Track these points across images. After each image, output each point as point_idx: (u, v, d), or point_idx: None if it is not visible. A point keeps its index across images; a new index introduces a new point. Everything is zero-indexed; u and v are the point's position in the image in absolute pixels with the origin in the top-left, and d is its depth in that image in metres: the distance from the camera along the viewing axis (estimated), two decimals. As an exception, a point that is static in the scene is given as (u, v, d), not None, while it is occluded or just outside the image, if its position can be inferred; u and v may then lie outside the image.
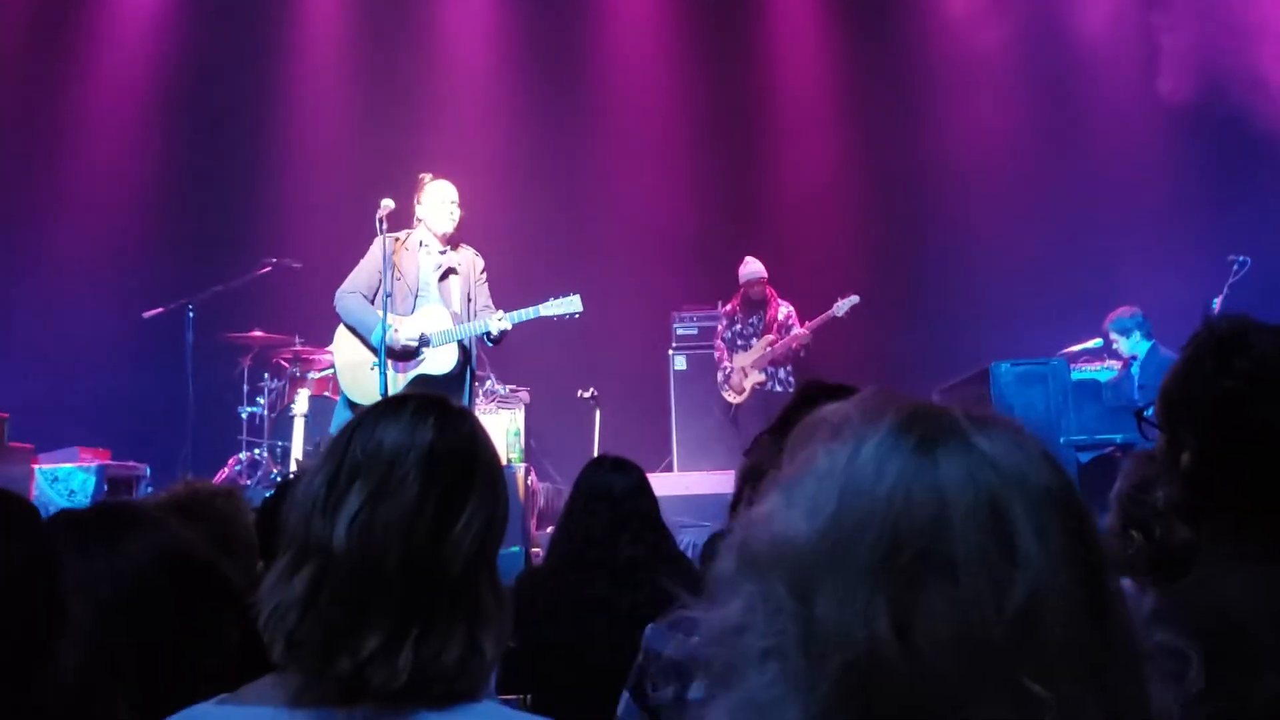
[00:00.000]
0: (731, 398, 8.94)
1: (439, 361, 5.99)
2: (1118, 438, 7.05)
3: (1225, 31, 9.07)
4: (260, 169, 9.86)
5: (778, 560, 0.80)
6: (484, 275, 6.29)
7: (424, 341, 5.94)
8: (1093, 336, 8.38)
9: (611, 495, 3.51)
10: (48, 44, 9.84)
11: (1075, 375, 7.44)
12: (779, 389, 8.69)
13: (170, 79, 9.91)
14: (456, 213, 6.16)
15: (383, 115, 10.00)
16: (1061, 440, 6.89)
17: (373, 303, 6.04)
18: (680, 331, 9.68)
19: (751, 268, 8.97)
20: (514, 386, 8.70)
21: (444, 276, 6.15)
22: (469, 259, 6.23)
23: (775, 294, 8.97)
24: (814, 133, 10.40)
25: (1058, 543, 0.78)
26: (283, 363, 8.47)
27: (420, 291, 6.04)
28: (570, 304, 6.09)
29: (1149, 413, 1.76)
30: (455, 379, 6.02)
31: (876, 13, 10.45)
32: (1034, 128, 9.93)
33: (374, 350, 5.91)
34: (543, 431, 9.14)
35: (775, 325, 8.85)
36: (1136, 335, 8.18)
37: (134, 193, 9.69)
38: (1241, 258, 7.88)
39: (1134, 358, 8.18)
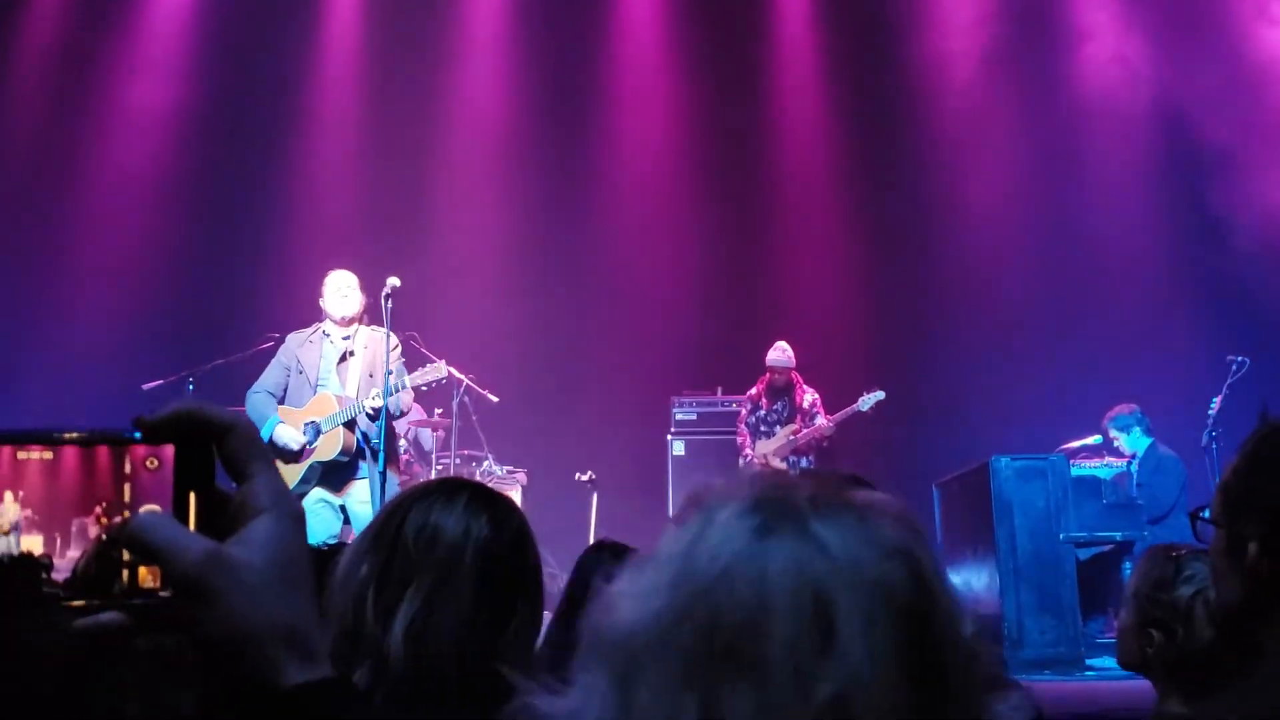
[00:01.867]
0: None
1: (327, 447, 6.07)
2: (1117, 535, 7.00)
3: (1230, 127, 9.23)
4: (265, 243, 9.93)
5: (608, 648, 0.77)
6: (396, 352, 6.26)
7: (316, 430, 6.05)
8: (1092, 433, 8.37)
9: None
10: (62, 115, 10.00)
11: (1075, 471, 7.41)
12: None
13: (180, 152, 10.05)
14: (353, 295, 6.34)
15: (388, 193, 10.11)
16: (1061, 536, 6.84)
17: (282, 400, 6.27)
18: (679, 416, 9.65)
19: (781, 355, 8.86)
20: (511, 468, 8.67)
21: (342, 359, 6.29)
22: (377, 339, 6.25)
23: (801, 380, 8.92)
24: (820, 224, 10.50)
25: (887, 639, 0.72)
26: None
27: (320, 382, 6.21)
28: (436, 370, 6.15)
29: (1205, 514, 1.75)
30: (347, 462, 6.11)
31: (884, 109, 10.58)
32: (1035, 228, 10.03)
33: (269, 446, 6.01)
34: (539, 514, 9.03)
35: (801, 413, 8.82)
36: (1136, 432, 8.19)
37: (138, 263, 9.76)
38: (1240, 358, 7.89)
39: (1134, 455, 8.17)
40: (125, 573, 0.74)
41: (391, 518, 1.46)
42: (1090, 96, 10.15)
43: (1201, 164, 9.50)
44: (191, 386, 8.01)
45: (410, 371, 6.18)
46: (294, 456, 6.07)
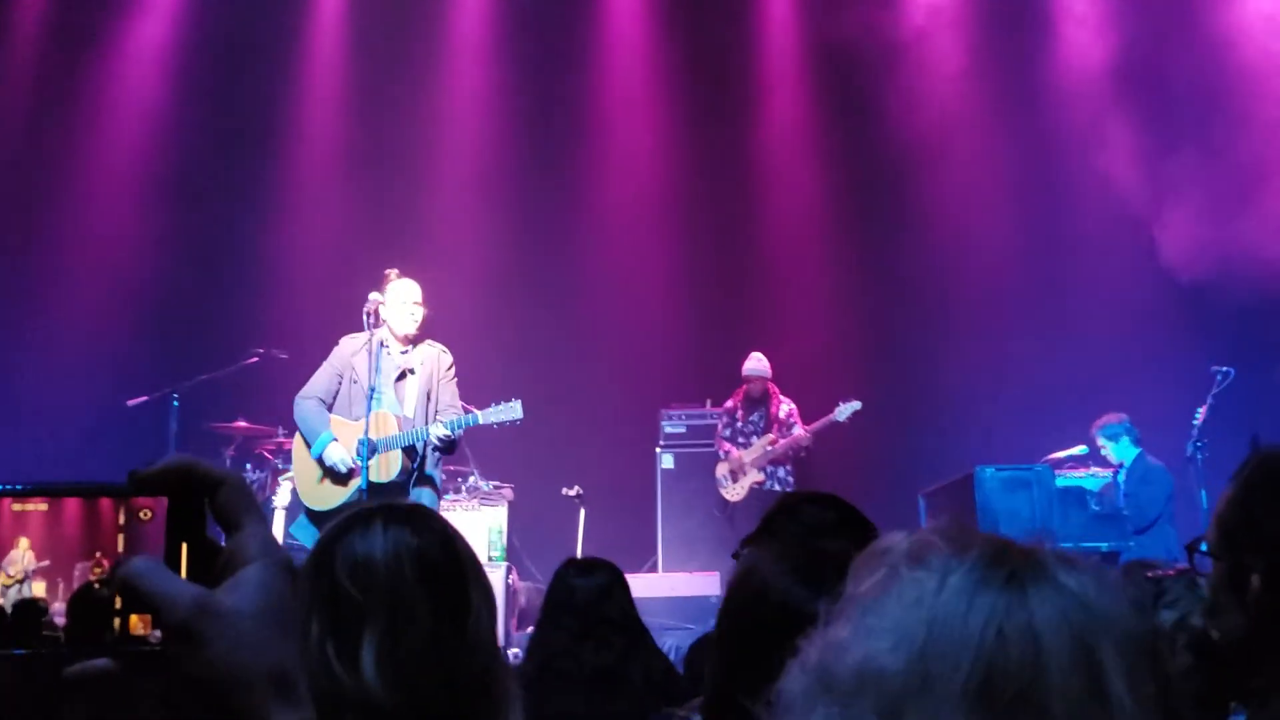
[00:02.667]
0: (730, 494, 8.89)
1: (385, 469, 5.86)
2: (1103, 546, 7.02)
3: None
4: (250, 259, 9.92)
5: (862, 687, 0.80)
6: (451, 372, 6.15)
7: (371, 449, 5.76)
8: (1077, 443, 8.39)
9: (574, 602, 3.39)
10: (46, 125, 9.97)
11: (1060, 481, 7.42)
12: (778, 488, 8.65)
13: (162, 164, 10.03)
14: (418, 313, 6.04)
15: (373, 207, 10.11)
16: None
17: (332, 407, 6.01)
18: (668, 429, 9.65)
19: (757, 365, 8.94)
20: (497, 483, 8.64)
21: (401, 377, 6.04)
22: (432, 357, 6.11)
23: (777, 391, 8.96)
24: (808, 236, 10.53)
25: (1147, 688, 0.78)
26: (266, 454, 8.41)
27: (376, 395, 5.87)
28: (511, 410, 5.96)
29: (1203, 546, 1.74)
30: (400, 485, 5.90)
31: (866, 124, 10.61)
32: (1024, 237, 10.05)
33: (317, 462, 5.89)
34: (526, 529, 9.04)
35: (777, 424, 8.84)
36: (1125, 441, 8.20)
37: (123, 278, 9.72)
38: (1225, 368, 7.93)
39: (1121, 464, 8.19)
40: (117, 620, 0.76)
41: (320, 570, 1.45)
42: (1074, 106, 10.20)
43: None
44: (176, 402, 7.99)
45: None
46: (342, 479, 5.88)
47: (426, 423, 5.95)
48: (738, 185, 10.79)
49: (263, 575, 0.77)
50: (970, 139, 10.22)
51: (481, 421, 5.95)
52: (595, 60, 11.03)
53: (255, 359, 8.40)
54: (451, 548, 1.51)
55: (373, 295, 5.97)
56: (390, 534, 1.47)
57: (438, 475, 6.18)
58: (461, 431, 5.99)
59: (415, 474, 5.96)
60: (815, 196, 10.68)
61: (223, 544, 0.80)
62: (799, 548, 1.56)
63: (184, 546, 0.79)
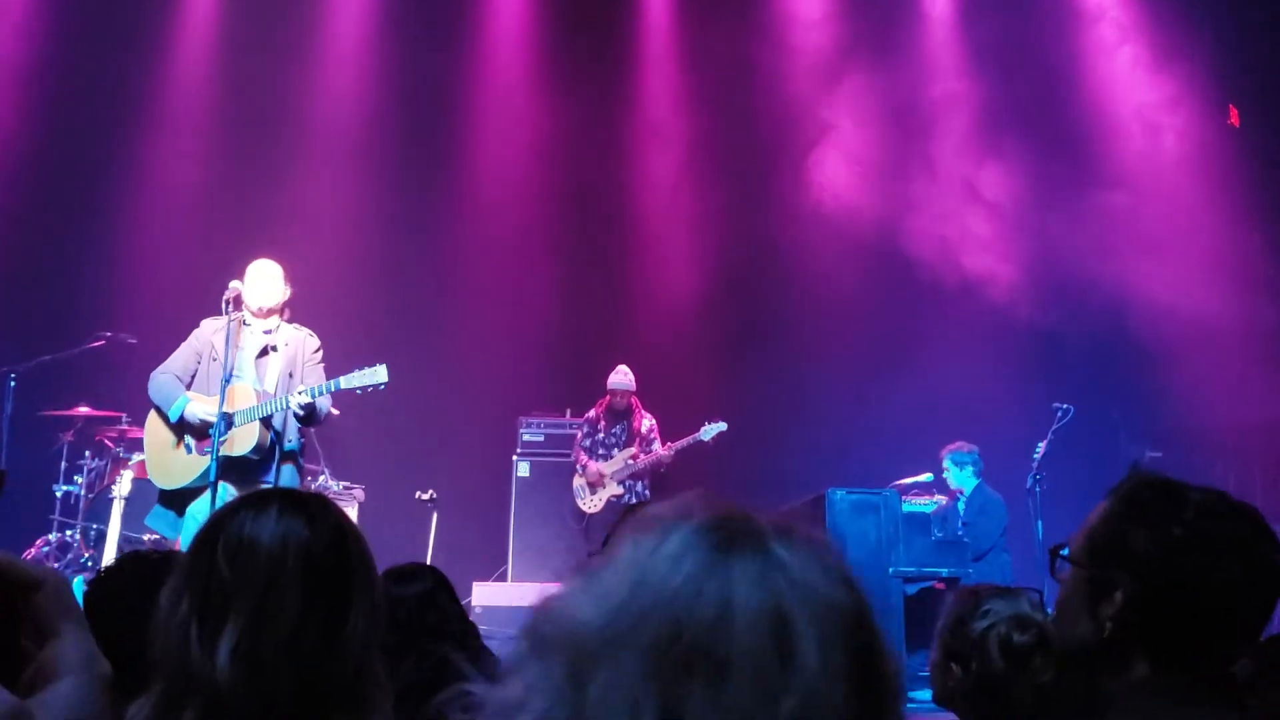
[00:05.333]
0: (587, 506, 8.88)
1: (241, 441, 5.71)
2: (943, 571, 7.24)
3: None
4: (103, 236, 9.50)
5: (562, 642, 0.80)
6: (318, 355, 6.07)
7: (229, 422, 5.61)
8: (924, 471, 8.65)
9: (395, 616, 3.09)
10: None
11: (906, 508, 7.63)
12: (635, 502, 8.67)
13: (13, 134, 9.55)
14: (275, 285, 5.96)
15: (236, 191, 9.79)
16: (890, 571, 7.03)
17: (189, 386, 5.88)
18: (526, 437, 9.60)
19: (622, 378, 8.95)
20: (348, 484, 8.48)
21: (262, 354, 5.94)
22: (298, 339, 6.02)
23: (640, 405, 9.00)
24: (676, 253, 10.60)
25: (839, 659, 0.78)
26: (107, 442, 8.10)
27: (235, 373, 5.77)
28: (375, 374, 5.80)
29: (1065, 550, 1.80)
30: (259, 460, 5.77)
31: (738, 136, 10.76)
32: (883, 270, 10.31)
33: (173, 429, 5.78)
34: (375, 533, 8.78)
35: (639, 438, 8.87)
36: (969, 470, 8.52)
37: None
38: (1065, 405, 8.27)
39: (960, 492, 8.51)
40: None
41: (203, 546, 1.39)
42: (935, 129, 10.53)
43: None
44: (13, 382, 7.64)
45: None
46: (200, 433, 5.72)
47: None
48: (606, 195, 10.78)
49: (80, 692, 0.71)
50: (835, 167, 10.46)
51: (343, 386, 5.80)
52: (473, 54, 10.93)
53: (101, 342, 8.08)
54: (343, 547, 1.45)
55: (233, 283, 5.82)
56: (283, 521, 1.41)
57: (301, 455, 6.02)
58: (325, 398, 5.85)
59: (277, 449, 5.80)
60: (685, 212, 10.76)
61: (35, 651, 0.71)
62: None
63: None
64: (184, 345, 6.00)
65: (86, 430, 8.17)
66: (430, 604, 3.21)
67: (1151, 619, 1.67)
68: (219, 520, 1.44)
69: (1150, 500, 1.71)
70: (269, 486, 5.40)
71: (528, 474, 9.40)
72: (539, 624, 0.83)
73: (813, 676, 0.76)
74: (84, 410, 8.04)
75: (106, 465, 8.01)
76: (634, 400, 8.97)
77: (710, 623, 0.77)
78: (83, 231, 9.43)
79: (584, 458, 8.98)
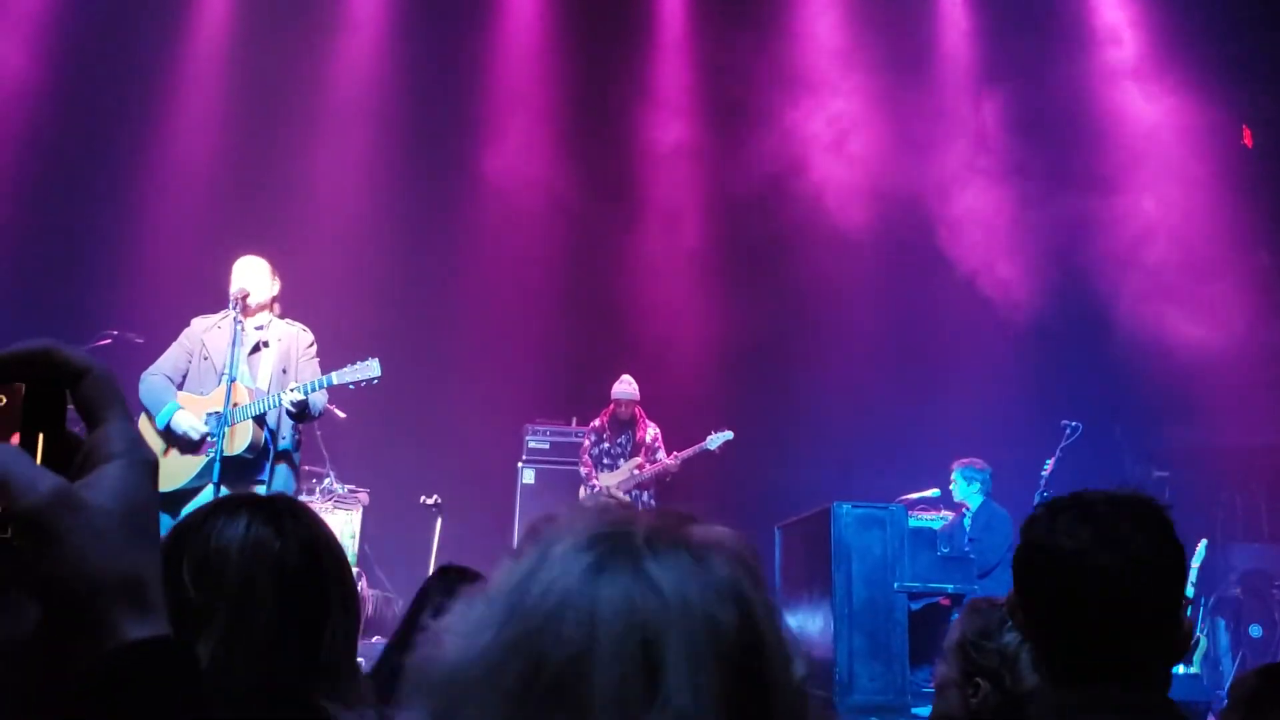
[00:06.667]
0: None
1: (235, 440, 5.63)
2: (949, 587, 7.19)
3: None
4: (111, 236, 9.51)
5: (431, 685, 0.75)
6: (312, 351, 6.01)
7: (222, 421, 5.52)
8: (931, 486, 8.61)
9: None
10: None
11: (912, 523, 7.59)
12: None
13: (23, 138, 9.56)
14: (263, 281, 5.88)
15: (245, 193, 9.79)
16: (895, 586, 6.98)
17: (181, 386, 5.81)
18: (532, 444, 9.58)
19: (627, 388, 8.92)
20: (353, 487, 8.46)
21: (255, 350, 5.86)
22: (291, 334, 5.96)
23: (644, 415, 8.97)
24: (681, 261, 10.59)
25: (714, 681, 0.70)
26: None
27: (228, 371, 5.66)
28: (368, 369, 5.77)
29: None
30: (254, 460, 5.69)
31: (744, 146, 10.75)
32: (895, 284, 10.31)
33: (161, 435, 5.67)
34: (379, 536, 8.88)
35: (644, 448, 8.84)
36: (976, 487, 8.48)
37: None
38: (1074, 423, 8.23)
39: (965, 507, 8.47)
40: None
41: (168, 559, 1.33)
42: (949, 147, 10.52)
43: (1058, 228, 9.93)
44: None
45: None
46: (193, 447, 5.63)
47: None
48: (617, 202, 10.79)
49: (126, 474, 0.71)
50: (842, 187, 10.44)
51: (336, 382, 5.76)
52: (488, 55, 10.95)
53: (108, 340, 8.06)
54: (316, 554, 1.40)
55: (239, 284, 5.79)
56: (252, 531, 1.37)
57: (296, 454, 5.95)
58: (319, 394, 5.80)
59: (270, 449, 5.74)
60: (695, 222, 10.76)
61: (83, 437, 0.73)
62: None
63: (40, 437, 0.72)
64: (174, 345, 5.95)
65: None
66: None
67: (1032, 625, 1.77)
68: (185, 529, 1.38)
69: (1034, 516, 1.82)
70: (238, 495, 5.36)
71: (532, 481, 9.38)
72: (417, 664, 0.77)
73: (681, 703, 0.69)
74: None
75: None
76: (638, 410, 8.94)
77: (571, 653, 0.70)
78: (90, 230, 9.44)
79: (590, 466, 8.93)
